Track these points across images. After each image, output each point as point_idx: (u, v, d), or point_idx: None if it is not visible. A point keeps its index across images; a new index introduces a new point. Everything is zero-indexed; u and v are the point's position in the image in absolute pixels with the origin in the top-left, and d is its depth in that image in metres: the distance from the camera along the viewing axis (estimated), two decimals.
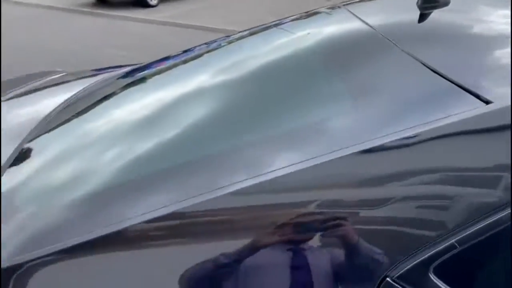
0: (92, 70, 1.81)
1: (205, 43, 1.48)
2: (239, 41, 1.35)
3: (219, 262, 0.65)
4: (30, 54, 5.86)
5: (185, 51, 1.45)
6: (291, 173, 0.66)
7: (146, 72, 1.39)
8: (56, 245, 0.68)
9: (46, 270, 0.69)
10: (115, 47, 6.14)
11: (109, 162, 0.87)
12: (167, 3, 9.98)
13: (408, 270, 0.62)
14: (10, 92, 1.54)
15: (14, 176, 0.93)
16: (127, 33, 7.45)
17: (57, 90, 1.58)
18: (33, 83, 1.64)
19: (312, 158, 0.67)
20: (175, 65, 1.33)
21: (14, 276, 0.69)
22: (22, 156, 1.01)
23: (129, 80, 1.35)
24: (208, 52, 1.37)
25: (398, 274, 0.62)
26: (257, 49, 1.21)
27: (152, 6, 9.82)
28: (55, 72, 1.82)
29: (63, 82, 1.68)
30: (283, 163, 0.69)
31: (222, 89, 1.00)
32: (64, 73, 1.81)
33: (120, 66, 1.73)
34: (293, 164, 0.68)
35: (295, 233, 0.66)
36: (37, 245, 0.70)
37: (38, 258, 0.69)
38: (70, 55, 5.76)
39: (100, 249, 0.69)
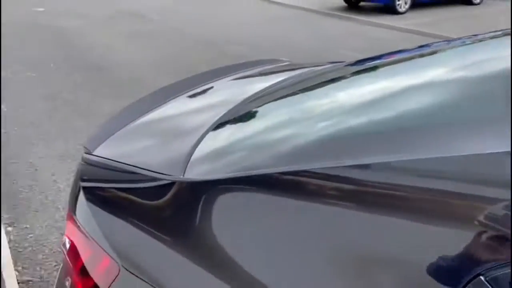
0: (313, 63, 1.89)
1: (444, 41, 1.46)
2: (475, 44, 1.34)
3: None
4: (273, 45, 6.54)
5: (421, 46, 1.47)
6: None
7: (374, 61, 1.47)
8: (261, 170, 0.84)
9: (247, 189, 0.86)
10: (351, 49, 6.27)
11: (318, 128, 0.97)
12: (417, 11, 9.63)
13: (506, 274, 0.58)
14: (239, 72, 1.76)
15: (227, 132, 1.13)
16: (368, 38, 7.52)
17: (279, 75, 1.74)
18: (258, 68, 1.81)
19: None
20: (404, 59, 1.40)
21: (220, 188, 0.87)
22: (237, 118, 1.18)
23: (356, 67, 1.45)
24: (438, 51, 1.39)
25: (494, 275, 0.59)
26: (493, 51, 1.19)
27: (401, 13, 9.65)
28: (280, 61, 1.97)
29: (285, 70, 1.82)
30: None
31: (436, 82, 1.06)
32: (287, 62, 1.95)
33: (340, 62, 1.76)
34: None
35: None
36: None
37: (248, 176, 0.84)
38: (306, 51, 6.19)
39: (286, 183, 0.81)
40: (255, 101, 1.29)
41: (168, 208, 0.94)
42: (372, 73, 1.35)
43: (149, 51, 6.37)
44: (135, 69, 5.42)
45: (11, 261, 2.18)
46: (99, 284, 0.92)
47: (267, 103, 1.27)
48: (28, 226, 2.56)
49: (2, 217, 2.55)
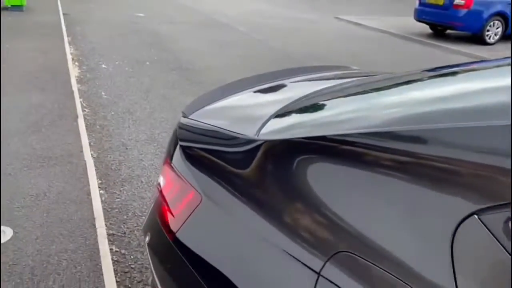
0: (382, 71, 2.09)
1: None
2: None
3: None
4: (351, 63, 6.68)
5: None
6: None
7: (445, 69, 1.66)
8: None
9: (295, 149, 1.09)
10: None
11: (380, 114, 1.15)
12: (507, 43, 9.30)
13: (493, 215, 0.73)
14: (312, 73, 2.02)
15: (295, 113, 1.36)
16: None
17: (346, 78, 1.96)
18: (330, 71, 2.06)
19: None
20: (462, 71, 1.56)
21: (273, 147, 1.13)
22: (304, 106, 1.42)
23: (431, 72, 1.65)
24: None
25: (484, 215, 0.73)
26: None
27: (490, 44, 9.36)
28: (350, 68, 2.20)
29: (352, 76, 2.04)
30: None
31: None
32: (357, 70, 2.17)
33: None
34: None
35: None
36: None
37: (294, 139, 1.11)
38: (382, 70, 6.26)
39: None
40: (323, 95, 1.53)
41: (241, 157, 1.22)
42: (431, 80, 1.53)
43: (234, 59, 6.82)
44: (219, 73, 5.87)
45: (102, 216, 2.58)
46: (184, 209, 1.21)
47: (333, 97, 1.50)
48: (116, 192, 2.98)
49: (97, 182, 3.00)
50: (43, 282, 2.02)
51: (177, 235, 1.22)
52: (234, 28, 9.58)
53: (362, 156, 0.99)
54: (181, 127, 1.44)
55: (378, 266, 0.84)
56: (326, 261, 0.90)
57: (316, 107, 1.43)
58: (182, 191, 1.26)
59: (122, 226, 2.62)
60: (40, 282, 2.02)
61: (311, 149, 1.09)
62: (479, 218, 0.75)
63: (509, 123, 0.83)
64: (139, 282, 2.19)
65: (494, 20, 9.27)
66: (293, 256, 0.95)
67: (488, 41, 9.41)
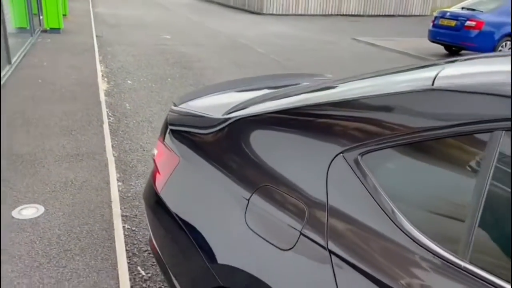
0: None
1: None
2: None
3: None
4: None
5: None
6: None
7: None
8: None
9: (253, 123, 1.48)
10: None
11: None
12: None
13: (350, 153, 1.15)
14: (294, 79, 2.44)
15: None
16: None
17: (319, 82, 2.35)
18: (307, 77, 2.48)
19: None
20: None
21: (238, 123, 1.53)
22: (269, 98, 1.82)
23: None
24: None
25: (346, 153, 1.15)
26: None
27: None
28: (324, 76, 2.62)
29: (328, 81, 2.45)
30: None
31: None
32: (330, 77, 2.59)
33: None
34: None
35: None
36: None
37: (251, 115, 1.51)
38: None
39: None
40: (271, 96, 1.95)
41: (209, 130, 1.65)
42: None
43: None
44: None
45: (118, 200, 3.06)
46: (169, 170, 1.65)
47: (271, 96, 1.92)
48: (132, 184, 3.46)
49: (116, 175, 3.49)
50: (67, 245, 2.49)
51: (163, 189, 1.67)
52: (254, 49, 10.15)
53: (278, 120, 1.42)
54: (171, 112, 1.90)
55: (285, 192, 1.26)
56: (253, 192, 1.33)
57: (260, 102, 1.86)
58: (169, 159, 1.71)
59: (134, 210, 3.09)
60: (64, 244, 2.49)
61: (251, 122, 1.53)
62: (343, 156, 1.17)
63: (362, 95, 1.26)
64: (144, 251, 2.64)
65: (506, 40, 9.51)
66: (233, 191, 1.38)
67: None
